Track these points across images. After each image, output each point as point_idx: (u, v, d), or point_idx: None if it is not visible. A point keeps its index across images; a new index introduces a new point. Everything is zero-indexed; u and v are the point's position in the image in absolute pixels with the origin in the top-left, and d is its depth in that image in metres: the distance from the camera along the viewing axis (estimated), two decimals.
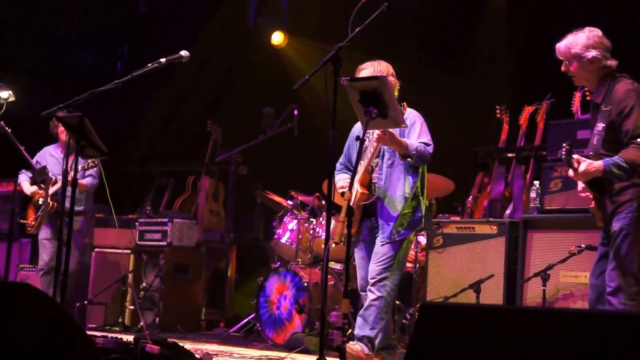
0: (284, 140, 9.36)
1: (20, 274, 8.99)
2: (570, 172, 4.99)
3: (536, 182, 7.22)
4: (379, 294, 5.76)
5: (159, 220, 9.07)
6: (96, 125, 5.81)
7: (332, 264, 7.86)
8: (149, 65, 5.76)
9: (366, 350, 5.76)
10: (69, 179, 7.49)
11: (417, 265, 7.57)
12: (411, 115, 5.91)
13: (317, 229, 7.92)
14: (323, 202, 8.15)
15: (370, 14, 4.99)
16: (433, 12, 10.37)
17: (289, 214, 8.11)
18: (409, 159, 5.74)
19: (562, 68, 5.18)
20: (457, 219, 7.55)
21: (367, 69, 5.87)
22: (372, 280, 5.78)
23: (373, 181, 5.91)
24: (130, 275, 8.77)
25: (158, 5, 12.40)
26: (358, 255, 6.06)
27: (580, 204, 6.46)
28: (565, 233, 6.49)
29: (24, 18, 11.19)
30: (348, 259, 5.22)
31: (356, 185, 5.83)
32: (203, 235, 9.54)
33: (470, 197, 7.92)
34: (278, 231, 8.11)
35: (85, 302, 8.67)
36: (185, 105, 11.82)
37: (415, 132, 5.86)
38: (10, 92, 7.87)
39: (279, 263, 8.07)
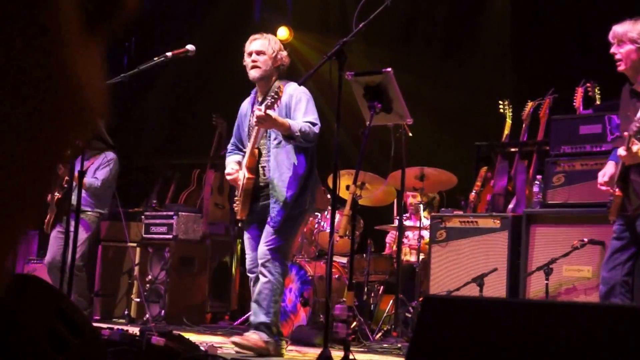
0: None
1: (27, 267, 9.05)
2: (622, 151, 5.00)
3: (539, 177, 7.25)
4: (270, 276, 5.64)
5: (164, 213, 9.11)
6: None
7: (336, 258, 7.90)
8: (156, 59, 5.80)
9: (265, 337, 5.67)
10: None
11: (420, 258, 7.61)
12: (297, 92, 5.71)
13: (322, 223, 7.97)
14: (328, 196, 8.19)
15: (374, 9, 5.02)
16: (437, 6, 10.39)
17: None
18: (292, 140, 5.58)
19: (611, 50, 5.18)
20: (460, 213, 7.59)
21: (259, 40, 5.84)
22: (262, 261, 5.66)
23: (262, 164, 5.77)
24: (136, 268, 8.82)
25: None
26: (247, 236, 5.92)
27: (583, 199, 6.52)
28: (568, 227, 6.52)
29: None
30: (352, 252, 5.27)
31: (243, 170, 5.74)
32: (208, 228, 9.58)
33: (474, 191, 7.94)
34: None
35: (92, 294, 8.72)
36: (190, 98, 11.87)
37: (301, 110, 5.66)
38: None
39: None
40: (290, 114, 5.66)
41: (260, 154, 5.76)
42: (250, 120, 5.85)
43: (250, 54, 5.84)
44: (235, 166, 5.89)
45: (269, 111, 5.40)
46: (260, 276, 5.68)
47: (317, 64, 5.04)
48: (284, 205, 5.65)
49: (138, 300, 8.74)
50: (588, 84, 7.28)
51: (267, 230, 5.70)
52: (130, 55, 12.02)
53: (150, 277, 8.84)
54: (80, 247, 8.17)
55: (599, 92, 7.20)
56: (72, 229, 5.78)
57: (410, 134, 7.35)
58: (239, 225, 5.99)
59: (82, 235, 8.23)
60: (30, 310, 2.95)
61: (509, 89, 9.05)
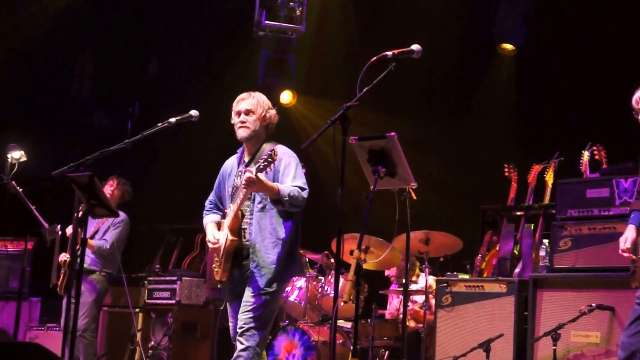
0: None
1: (29, 334, 8.97)
2: None
3: (545, 241, 7.21)
4: (247, 344, 5.36)
5: (167, 278, 9.06)
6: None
7: (340, 323, 7.82)
8: (159, 124, 5.80)
9: None
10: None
11: (426, 323, 7.53)
12: (285, 156, 5.57)
13: (326, 287, 7.90)
14: (332, 261, 8.13)
15: (378, 74, 5.03)
16: (440, 70, 10.45)
17: None
18: (280, 205, 5.38)
19: None
20: (466, 277, 7.53)
21: (248, 100, 5.66)
22: (241, 330, 5.39)
23: (243, 227, 5.53)
24: (138, 334, 8.74)
25: (168, 65, 12.53)
26: (229, 303, 5.71)
27: (591, 263, 6.47)
28: (575, 292, 6.47)
29: (36, 79, 11.31)
30: (357, 317, 5.20)
31: (226, 231, 5.51)
32: (211, 293, 9.50)
33: (479, 255, 7.89)
34: (287, 289, 8.09)
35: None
36: (194, 164, 11.88)
37: (290, 175, 5.50)
38: (22, 152, 7.93)
39: (287, 321, 8.03)
40: (278, 177, 5.51)
41: (242, 216, 5.54)
42: (235, 181, 5.69)
43: (238, 114, 5.66)
44: (216, 232, 5.67)
45: (259, 174, 5.22)
46: (238, 344, 5.42)
47: (321, 128, 5.03)
48: (266, 272, 5.44)
49: None
50: (594, 148, 7.27)
51: (247, 297, 5.47)
52: (134, 121, 12.08)
53: (152, 342, 8.76)
54: (88, 311, 8.05)
55: (605, 155, 7.19)
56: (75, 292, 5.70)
57: (415, 198, 7.33)
58: (219, 287, 5.67)
59: (88, 298, 8.10)
60: None
61: (514, 153, 9.06)
